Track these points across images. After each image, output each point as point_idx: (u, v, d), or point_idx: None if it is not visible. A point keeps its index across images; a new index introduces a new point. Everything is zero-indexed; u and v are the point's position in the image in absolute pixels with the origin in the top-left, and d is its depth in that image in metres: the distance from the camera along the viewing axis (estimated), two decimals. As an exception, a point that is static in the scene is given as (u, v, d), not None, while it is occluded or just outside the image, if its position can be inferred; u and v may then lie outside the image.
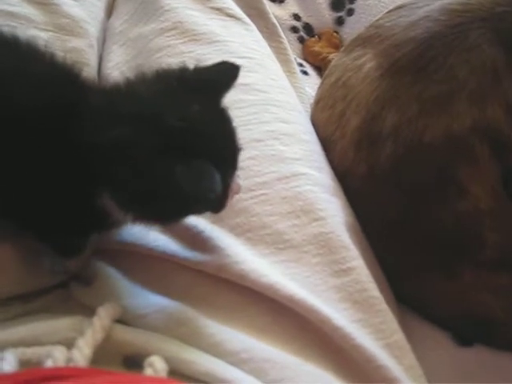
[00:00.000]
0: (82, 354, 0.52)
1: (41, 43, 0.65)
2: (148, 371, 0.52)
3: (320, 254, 0.68)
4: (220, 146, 0.58)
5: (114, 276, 0.68)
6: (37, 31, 0.85)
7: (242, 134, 0.73)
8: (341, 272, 0.68)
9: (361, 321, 0.65)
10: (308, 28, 1.27)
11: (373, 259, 0.75)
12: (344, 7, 1.28)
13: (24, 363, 0.52)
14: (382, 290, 0.69)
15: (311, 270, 0.67)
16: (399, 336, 0.66)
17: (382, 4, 1.25)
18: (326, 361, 0.62)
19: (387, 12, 0.90)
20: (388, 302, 0.69)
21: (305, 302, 0.63)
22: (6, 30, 0.62)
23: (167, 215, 0.58)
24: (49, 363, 0.51)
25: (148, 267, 0.68)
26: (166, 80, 0.60)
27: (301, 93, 0.98)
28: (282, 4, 1.27)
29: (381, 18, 0.89)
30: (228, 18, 0.91)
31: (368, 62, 0.81)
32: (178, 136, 0.54)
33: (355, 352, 0.62)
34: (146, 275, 0.67)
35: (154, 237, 0.68)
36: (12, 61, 0.60)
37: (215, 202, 0.57)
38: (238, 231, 0.68)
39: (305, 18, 1.28)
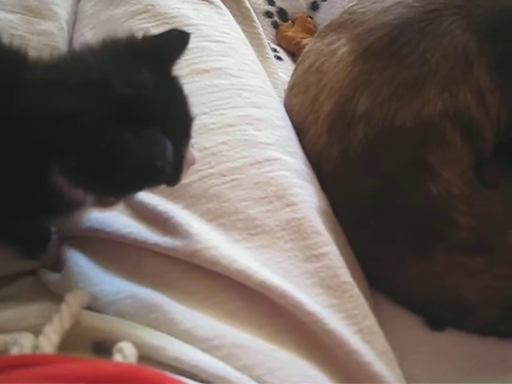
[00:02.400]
0: (49, 341, 0.51)
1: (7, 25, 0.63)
2: (117, 357, 0.51)
3: (292, 239, 0.68)
4: (171, 115, 0.55)
5: (84, 263, 0.66)
6: (4, 13, 0.83)
7: (214, 119, 0.74)
8: (313, 257, 0.68)
9: (333, 306, 0.65)
10: (282, 13, 1.26)
11: (346, 244, 0.75)
12: (319, -8, 1.27)
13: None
14: (354, 275, 0.69)
15: (283, 255, 0.67)
16: (371, 321, 0.67)
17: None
18: (298, 346, 0.62)
19: (363, -1, 0.90)
20: (360, 288, 0.69)
21: (277, 288, 0.63)
22: None
23: (118, 187, 0.55)
24: (15, 351, 0.50)
25: (119, 254, 0.67)
26: (114, 49, 0.57)
27: (274, 78, 0.97)
28: (256, -12, 1.26)
29: (355, 5, 0.89)
30: (200, 2, 0.90)
31: (342, 47, 0.80)
32: (126, 103, 0.51)
33: (328, 337, 0.62)
34: (116, 262, 0.66)
35: (124, 223, 0.67)
36: None
37: (168, 172, 0.54)
38: (210, 217, 0.67)
39: (279, 3, 1.26)
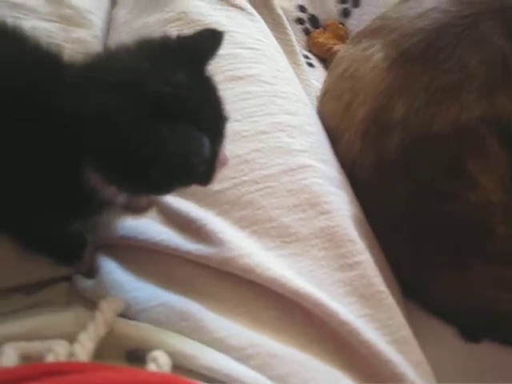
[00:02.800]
0: (83, 349, 0.51)
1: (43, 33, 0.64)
2: (151, 366, 0.51)
3: (326, 247, 0.67)
4: (206, 113, 0.55)
5: (117, 270, 0.67)
6: (41, 22, 0.84)
7: (248, 126, 0.74)
8: (347, 266, 0.67)
9: (367, 316, 0.64)
10: (313, 19, 1.25)
11: (379, 253, 0.74)
12: (350, -1, 1.27)
13: (25, 358, 0.51)
14: (388, 285, 0.68)
15: (317, 263, 0.66)
16: (406, 332, 0.66)
17: (391, -4, 1.23)
18: (332, 356, 0.61)
19: (395, 4, 0.89)
20: (394, 297, 0.68)
21: (311, 297, 0.62)
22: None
23: (152, 185, 0.55)
24: (50, 358, 0.51)
25: (151, 261, 0.67)
26: (148, 48, 0.58)
27: (306, 85, 0.97)
28: (288, -5, 1.26)
29: (388, 10, 0.88)
30: (233, 9, 0.90)
31: (376, 52, 0.80)
32: (162, 102, 0.51)
33: (362, 347, 0.61)
34: (149, 269, 0.66)
35: (157, 230, 0.67)
36: None
37: (202, 170, 0.55)
38: (243, 224, 0.67)
39: (310, 10, 1.26)
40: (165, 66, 0.55)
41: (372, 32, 0.85)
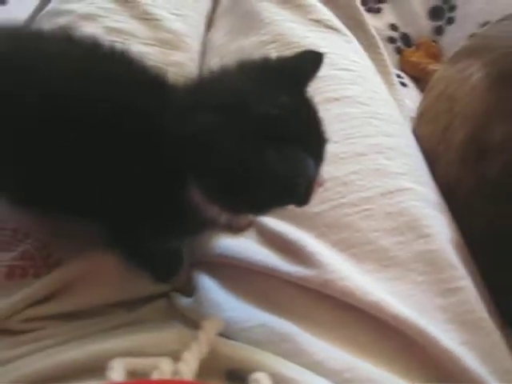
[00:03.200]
0: (188, 367, 0.52)
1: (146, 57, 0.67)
2: (253, 387, 0.51)
3: (426, 272, 0.66)
4: (309, 135, 0.56)
5: (216, 288, 0.68)
6: (141, 46, 0.87)
7: (345, 148, 0.73)
8: (447, 292, 0.65)
9: (468, 343, 0.62)
10: (405, 38, 1.25)
11: (479, 278, 0.71)
12: (443, 16, 1.25)
13: (130, 374, 0.52)
14: (489, 312, 0.66)
15: (416, 288, 0.65)
16: (509, 363, 0.63)
17: (485, 12, 1.20)
18: (431, 383, 0.60)
19: (495, 22, 0.87)
20: (496, 325, 0.66)
21: (411, 322, 0.61)
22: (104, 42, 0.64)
23: (255, 205, 0.56)
24: (155, 375, 0.51)
25: (249, 281, 0.67)
26: (250, 70, 0.58)
27: (400, 105, 0.95)
28: (379, 14, 1.26)
29: (487, 29, 0.86)
30: (328, 30, 0.90)
31: (475, 72, 0.78)
32: (267, 123, 0.52)
33: (463, 375, 0.59)
34: (247, 289, 0.67)
35: (255, 250, 0.68)
36: (105, 65, 0.61)
37: (303, 191, 0.54)
38: (342, 246, 0.67)
39: (402, 28, 1.25)
40: (268, 88, 0.56)
41: (471, 51, 0.83)
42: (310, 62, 0.61)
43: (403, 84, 1.14)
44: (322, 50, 0.82)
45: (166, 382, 0.50)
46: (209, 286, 0.68)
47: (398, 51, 1.23)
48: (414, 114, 0.97)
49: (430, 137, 0.81)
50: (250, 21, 0.91)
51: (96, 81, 0.58)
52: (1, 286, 0.64)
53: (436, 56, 1.21)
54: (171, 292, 0.71)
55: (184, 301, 0.68)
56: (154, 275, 0.69)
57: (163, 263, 0.70)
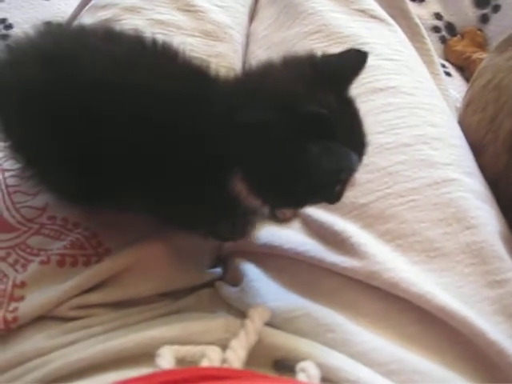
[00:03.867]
0: (236, 356, 0.52)
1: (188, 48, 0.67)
2: (301, 376, 0.51)
3: (473, 263, 0.65)
4: (351, 135, 0.56)
5: (261, 278, 0.68)
6: (185, 37, 0.88)
7: (390, 138, 0.73)
8: (495, 283, 0.64)
9: None
10: (450, 27, 1.23)
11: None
12: (489, 4, 1.23)
13: (178, 361, 0.53)
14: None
15: (464, 279, 0.64)
16: None
17: (533, -2, 1.18)
18: (478, 376, 0.59)
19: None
20: None
21: (457, 314, 0.60)
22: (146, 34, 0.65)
23: (296, 199, 0.58)
24: (204, 363, 0.52)
25: (295, 271, 0.68)
26: (297, 66, 0.59)
27: (445, 95, 0.94)
28: (423, 3, 1.24)
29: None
30: (372, 20, 0.90)
31: (524, 61, 0.76)
32: (314, 122, 0.53)
33: (511, 369, 0.58)
34: (292, 278, 0.67)
35: (301, 241, 0.68)
36: (148, 59, 0.62)
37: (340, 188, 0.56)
38: (388, 237, 0.66)
39: (447, 17, 1.23)
40: (315, 86, 0.56)
41: (518, 40, 0.82)
42: (354, 60, 0.61)
43: (448, 74, 1.12)
44: (366, 39, 0.84)
45: (216, 369, 0.51)
46: (254, 276, 0.69)
47: (443, 40, 1.21)
48: (459, 103, 0.96)
49: (477, 127, 0.80)
50: (293, 11, 0.91)
51: (141, 74, 0.59)
52: (52, 274, 0.65)
53: (481, 45, 1.18)
54: (217, 281, 0.72)
55: (229, 290, 0.69)
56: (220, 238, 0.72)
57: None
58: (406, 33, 0.95)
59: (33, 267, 0.65)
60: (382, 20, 0.91)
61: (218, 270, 0.75)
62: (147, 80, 0.58)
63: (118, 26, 0.68)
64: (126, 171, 0.59)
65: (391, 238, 0.66)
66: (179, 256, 0.70)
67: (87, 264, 0.66)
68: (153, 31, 0.86)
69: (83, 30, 0.68)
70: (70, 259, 0.66)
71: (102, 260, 0.67)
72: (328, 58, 0.60)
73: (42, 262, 0.65)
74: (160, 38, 0.64)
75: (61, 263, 0.66)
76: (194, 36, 0.89)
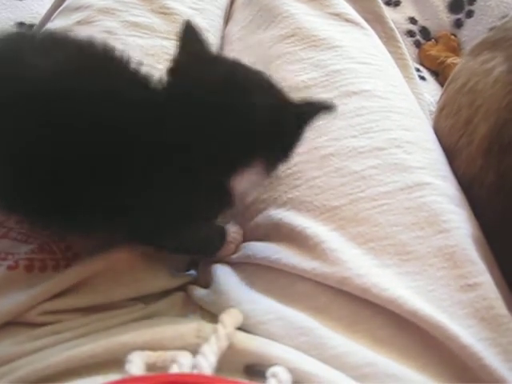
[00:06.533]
0: (207, 362, 0.52)
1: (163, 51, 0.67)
2: (272, 382, 0.51)
3: (445, 267, 0.65)
4: None
5: (234, 281, 0.68)
6: (160, 40, 0.87)
7: (364, 142, 0.73)
8: (467, 287, 0.64)
9: (488, 339, 0.62)
10: (424, 32, 1.24)
11: (499, 275, 0.71)
12: (463, 9, 1.24)
13: (149, 367, 0.52)
14: (509, 308, 0.65)
15: (436, 283, 0.64)
16: None
17: (505, 5, 1.19)
18: (451, 380, 0.59)
19: (517, 14, 0.86)
20: None
21: (430, 318, 0.60)
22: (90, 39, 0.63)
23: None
24: (174, 368, 0.51)
25: (268, 277, 0.68)
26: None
27: (419, 99, 0.94)
28: (398, 7, 1.25)
29: (509, 21, 0.85)
30: (347, 24, 0.90)
31: (498, 66, 0.77)
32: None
33: (483, 372, 0.58)
34: (265, 284, 0.67)
35: (274, 249, 0.68)
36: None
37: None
38: (360, 240, 0.66)
39: (421, 22, 1.25)
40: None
41: (493, 44, 0.82)
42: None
43: (422, 78, 1.13)
44: (340, 43, 0.84)
45: (185, 376, 0.50)
46: (227, 279, 0.68)
47: (417, 45, 1.23)
48: (433, 107, 0.97)
49: (451, 131, 0.80)
50: (267, 14, 0.90)
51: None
52: (20, 279, 0.64)
53: (455, 49, 1.20)
54: (188, 285, 0.72)
55: (201, 293, 0.69)
56: (201, 252, 0.72)
57: (208, 241, 0.71)
58: (380, 37, 0.95)
59: (0, 272, 0.64)
60: (356, 24, 0.91)
61: (191, 273, 0.75)
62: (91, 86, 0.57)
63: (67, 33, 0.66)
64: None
65: (363, 240, 0.66)
66: (150, 260, 0.69)
67: (56, 269, 0.65)
68: (127, 33, 0.87)
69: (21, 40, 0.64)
70: (39, 264, 0.65)
71: (71, 264, 0.65)
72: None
73: (9, 268, 0.64)
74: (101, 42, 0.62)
75: (29, 268, 0.64)
76: (168, 39, 0.88)
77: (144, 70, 0.61)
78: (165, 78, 0.60)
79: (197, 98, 0.57)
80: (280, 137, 0.60)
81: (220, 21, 0.98)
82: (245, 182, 0.60)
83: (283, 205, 0.71)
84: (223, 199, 0.62)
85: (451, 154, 0.79)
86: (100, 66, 0.60)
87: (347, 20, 0.90)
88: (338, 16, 0.90)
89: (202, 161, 0.57)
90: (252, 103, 0.57)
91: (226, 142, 0.57)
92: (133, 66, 0.61)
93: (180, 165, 0.57)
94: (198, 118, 0.56)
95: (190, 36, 0.64)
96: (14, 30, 0.64)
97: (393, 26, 0.99)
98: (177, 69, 0.61)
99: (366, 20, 0.95)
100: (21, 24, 1.13)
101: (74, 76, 0.57)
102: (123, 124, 0.56)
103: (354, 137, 0.73)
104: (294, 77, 0.80)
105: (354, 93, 0.78)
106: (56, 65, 0.57)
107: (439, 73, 1.16)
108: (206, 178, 0.58)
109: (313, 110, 0.62)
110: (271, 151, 0.60)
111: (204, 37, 0.64)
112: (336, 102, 0.72)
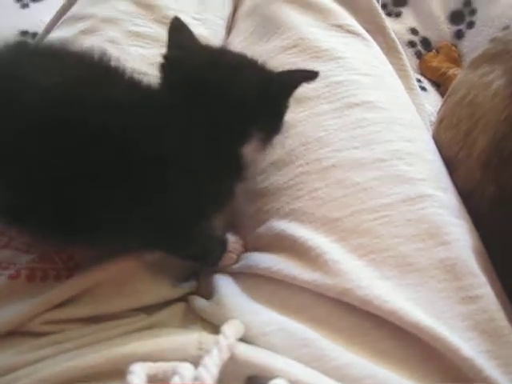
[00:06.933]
0: (209, 373, 0.52)
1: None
2: (273, 394, 0.51)
3: (446, 279, 0.65)
4: None
5: (235, 292, 0.68)
6: (163, 49, 0.87)
7: (366, 154, 0.73)
8: (467, 299, 0.65)
9: (488, 352, 0.62)
10: (425, 42, 1.24)
11: (499, 287, 0.71)
12: (464, 20, 1.24)
13: (150, 378, 0.52)
14: (509, 320, 0.65)
15: (437, 295, 0.64)
16: None
17: (506, 16, 1.20)
18: None
19: (517, 26, 0.86)
20: None
21: (430, 330, 0.60)
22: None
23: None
24: (176, 380, 0.51)
25: (269, 288, 0.68)
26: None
27: (420, 109, 0.95)
28: (399, 18, 1.25)
29: (509, 33, 0.85)
30: (349, 35, 0.90)
31: (497, 79, 0.77)
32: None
33: None
34: (267, 295, 0.67)
35: (275, 259, 0.68)
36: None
37: None
38: (361, 252, 0.67)
39: (422, 32, 1.25)
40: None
41: (492, 56, 0.82)
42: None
43: (423, 88, 1.14)
44: (343, 54, 0.84)
45: (186, 387, 0.51)
46: (228, 289, 0.69)
47: (419, 55, 1.23)
48: (433, 118, 0.97)
49: (450, 143, 0.80)
50: (270, 25, 0.91)
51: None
52: (22, 289, 0.64)
53: (456, 60, 1.20)
54: (190, 295, 0.72)
55: (203, 303, 0.69)
56: (203, 260, 0.73)
57: (211, 247, 0.72)
58: (382, 48, 0.95)
59: (1, 282, 0.64)
60: (358, 35, 0.91)
61: (192, 284, 0.74)
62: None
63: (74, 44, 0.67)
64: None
65: (365, 252, 0.66)
66: (151, 270, 0.69)
67: (58, 278, 0.65)
68: (129, 43, 0.87)
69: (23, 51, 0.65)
70: (40, 273, 0.65)
71: (72, 274, 0.66)
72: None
73: (11, 277, 0.64)
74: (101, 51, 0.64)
75: (31, 278, 0.65)
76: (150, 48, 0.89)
77: (146, 79, 0.63)
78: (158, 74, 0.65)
79: (191, 84, 0.62)
80: (269, 104, 0.65)
81: (222, 31, 0.99)
82: (250, 151, 0.65)
83: (285, 216, 0.71)
84: (237, 170, 0.66)
85: (451, 165, 0.79)
86: (97, 75, 0.61)
87: (349, 31, 0.90)
88: (340, 27, 0.90)
89: (212, 135, 0.61)
90: (241, 78, 0.63)
91: (225, 116, 0.62)
92: (128, 72, 0.63)
93: (193, 144, 0.60)
94: (198, 100, 0.61)
95: (178, 31, 0.70)
96: (14, 41, 0.63)
97: (394, 36, 0.99)
98: (168, 62, 0.67)
99: (368, 31, 0.95)
100: (24, 32, 1.13)
101: (72, 87, 0.58)
102: (123, 129, 0.57)
103: (356, 148, 0.74)
104: None
105: (356, 104, 0.78)
106: (54, 77, 0.58)
107: (440, 84, 1.17)
108: (220, 148, 0.63)
109: (295, 77, 0.67)
110: (264, 119, 0.66)
111: (191, 30, 0.71)
112: (338, 113, 0.73)
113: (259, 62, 0.68)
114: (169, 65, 0.67)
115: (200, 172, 0.61)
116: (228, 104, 0.62)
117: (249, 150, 0.65)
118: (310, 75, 0.68)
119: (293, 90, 0.67)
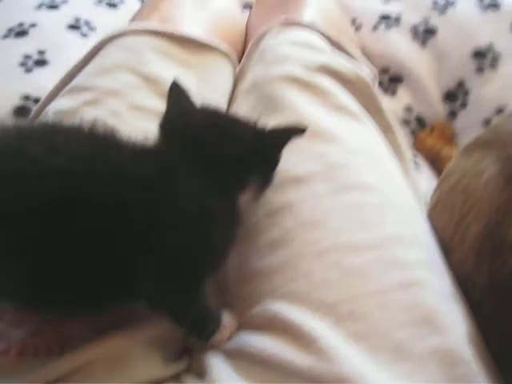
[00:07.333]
0: None
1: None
2: None
3: (440, 367, 0.65)
4: None
5: (227, 373, 0.67)
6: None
7: (360, 237, 0.74)
8: None
9: None
10: (420, 121, 1.26)
11: (495, 375, 0.70)
12: (457, 100, 1.26)
13: None
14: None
15: None
16: None
17: (499, 97, 1.21)
18: None
19: (508, 115, 0.88)
20: None
21: None
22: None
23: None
24: None
25: (262, 370, 0.66)
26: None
27: (415, 190, 0.96)
28: (395, 97, 1.28)
29: (500, 121, 0.88)
30: (348, 117, 0.91)
31: (488, 167, 0.79)
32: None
33: None
34: (259, 377, 0.66)
35: (270, 344, 0.67)
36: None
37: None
38: (356, 337, 0.66)
39: (417, 110, 1.27)
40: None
41: (485, 144, 0.84)
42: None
43: (418, 165, 1.15)
44: (341, 135, 0.85)
45: None
46: (220, 370, 0.67)
47: (413, 133, 1.25)
48: (428, 197, 0.98)
49: (445, 227, 0.81)
50: (271, 104, 0.92)
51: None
52: (12, 365, 0.63)
53: (450, 139, 1.22)
54: (183, 375, 0.71)
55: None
56: (196, 333, 0.72)
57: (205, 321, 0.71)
58: (378, 127, 0.97)
59: None
60: (355, 116, 0.92)
61: (184, 361, 0.74)
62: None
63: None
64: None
65: (359, 337, 0.66)
66: (144, 348, 0.68)
67: (49, 354, 0.65)
68: (131, 116, 0.88)
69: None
70: (31, 349, 0.65)
71: (64, 350, 0.65)
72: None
73: (1, 353, 0.63)
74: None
75: (21, 353, 0.64)
76: None
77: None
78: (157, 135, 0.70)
79: (190, 141, 0.68)
80: (263, 159, 0.71)
81: (223, 107, 1.00)
82: (245, 201, 0.71)
83: (280, 297, 0.71)
84: (234, 219, 0.69)
85: (446, 249, 0.80)
86: (98, 149, 0.64)
87: (348, 113, 0.92)
88: (340, 109, 0.92)
89: (212, 189, 0.66)
90: (237, 136, 0.69)
91: (224, 171, 0.68)
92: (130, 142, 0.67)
93: (193, 200, 0.64)
94: (198, 156, 0.66)
95: (176, 93, 0.74)
96: (11, 124, 0.64)
97: (390, 118, 1.01)
98: (166, 122, 0.72)
99: (365, 108, 0.96)
100: (26, 97, 1.14)
101: (76, 162, 0.60)
102: (137, 201, 0.60)
103: (352, 231, 0.74)
104: (293, 167, 0.81)
105: (352, 186, 0.79)
106: (55, 156, 0.59)
107: (435, 162, 1.18)
108: (220, 199, 0.66)
109: (286, 134, 0.73)
110: (259, 171, 0.72)
111: (188, 93, 0.74)
112: (335, 194, 0.74)
113: (251, 121, 0.73)
114: (167, 124, 0.72)
115: (207, 227, 0.65)
116: (226, 161, 0.68)
117: (244, 199, 0.71)
118: (299, 131, 0.73)
119: (284, 145, 0.73)
